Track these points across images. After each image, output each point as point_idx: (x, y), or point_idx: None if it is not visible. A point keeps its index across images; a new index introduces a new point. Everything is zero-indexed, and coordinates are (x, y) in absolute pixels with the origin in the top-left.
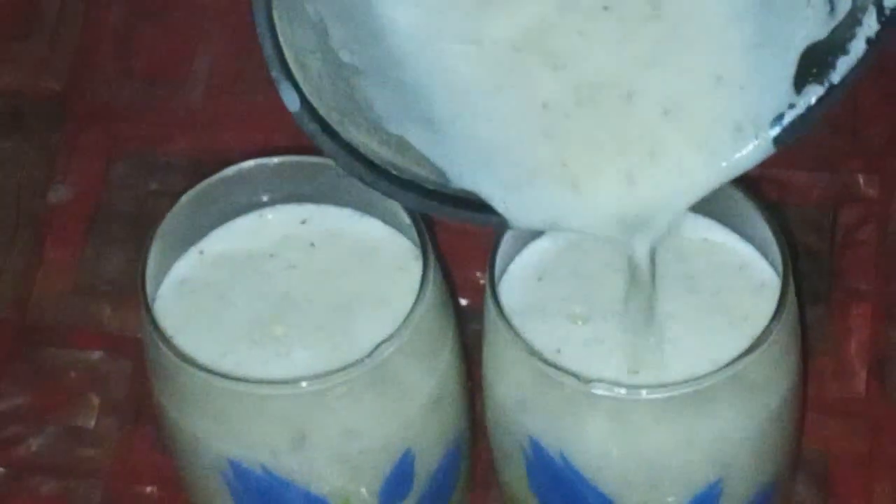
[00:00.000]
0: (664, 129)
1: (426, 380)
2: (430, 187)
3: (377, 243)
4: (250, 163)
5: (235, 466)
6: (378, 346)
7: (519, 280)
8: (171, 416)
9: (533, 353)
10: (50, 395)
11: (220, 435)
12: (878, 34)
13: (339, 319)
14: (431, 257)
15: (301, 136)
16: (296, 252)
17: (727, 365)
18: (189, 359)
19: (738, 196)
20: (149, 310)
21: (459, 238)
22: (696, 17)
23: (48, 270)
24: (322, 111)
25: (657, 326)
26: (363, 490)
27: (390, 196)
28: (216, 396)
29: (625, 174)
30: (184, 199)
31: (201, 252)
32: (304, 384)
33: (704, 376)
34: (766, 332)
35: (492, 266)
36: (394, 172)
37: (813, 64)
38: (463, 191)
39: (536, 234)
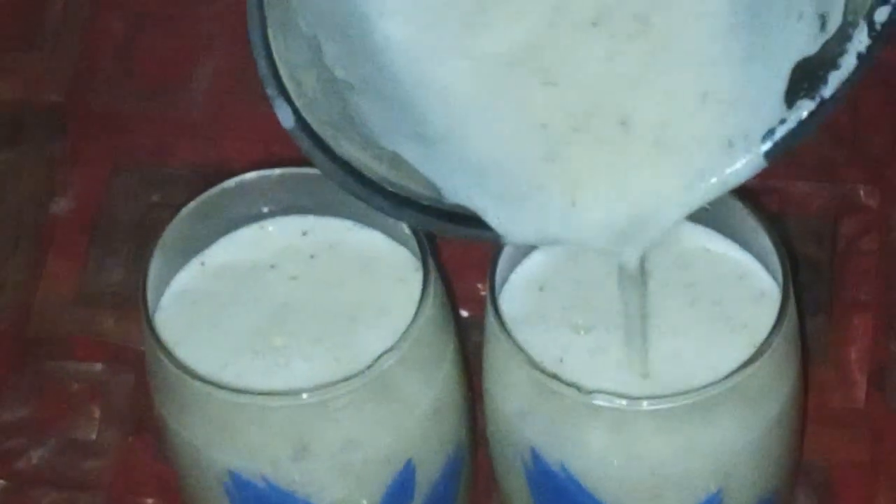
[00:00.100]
0: (657, 149)
1: (427, 390)
2: (425, 202)
3: (378, 255)
4: (251, 174)
5: (236, 477)
6: (379, 357)
7: (520, 290)
8: (173, 427)
9: (533, 364)
10: (51, 406)
11: (222, 446)
12: (868, 49)
13: (339, 331)
14: (432, 268)
15: None
16: (297, 263)
17: (728, 376)
18: (190, 370)
19: (739, 206)
20: (150, 321)
21: (460, 249)
22: (683, 33)
23: (50, 282)
24: (316, 127)
25: (646, 333)
26: (364, 501)
27: (384, 212)
28: (217, 407)
29: (619, 192)
30: (185, 210)
31: (202, 263)
32: (305, 395)
33: (705, 387)
34: (767, 342)
35: (492, 276)
36: (388, 188)
37: (804, 79)
38: (457, 206)
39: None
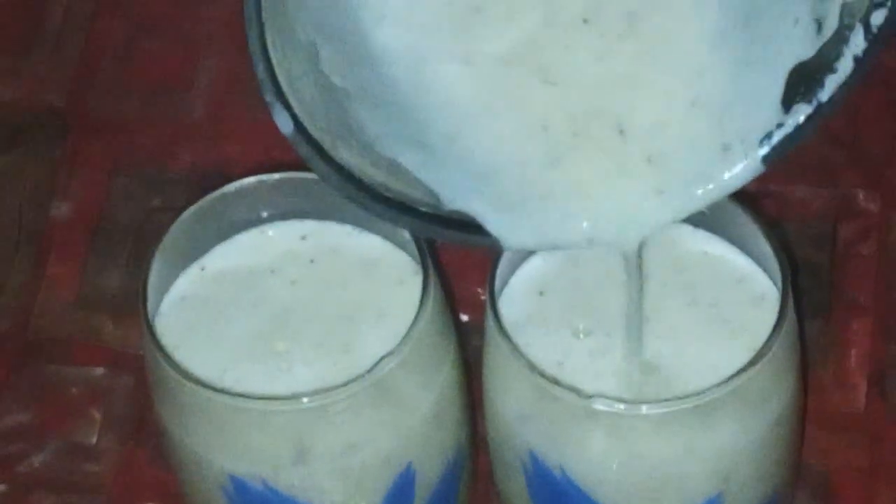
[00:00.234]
0: (652, 154)
1: (427, 394)
2: (423, 209)
3: (377, 259)
4: (251, 179)
5: (237, 482)
6: (379, 361)
7: (520, 294)
8: (173, 431)
9: (533, 368)
10: (51, 410)
11: (222, 450)
12: (865, 53)
13: (339, 335)
14: (432, 272)
15: None
16: (296, 268)
17: (728, 379)
18: (190, 375)
19: (738, 210)
20: (150, 326)
21: (460, 253)
22: (672, 38)
23: (50, 285)
24: (315, 134)
25: (641, 331)
26: None
27: (383, 218)
28: (217, 412)
29: (618, 198)
30: (185, 215)
31: (202, 268)
32: (305, 399)
33: (705, 391)
34: (767, 345)
35: (492, 280)
36: (386, 194)
37: (801, 82)
38: (456, 212)
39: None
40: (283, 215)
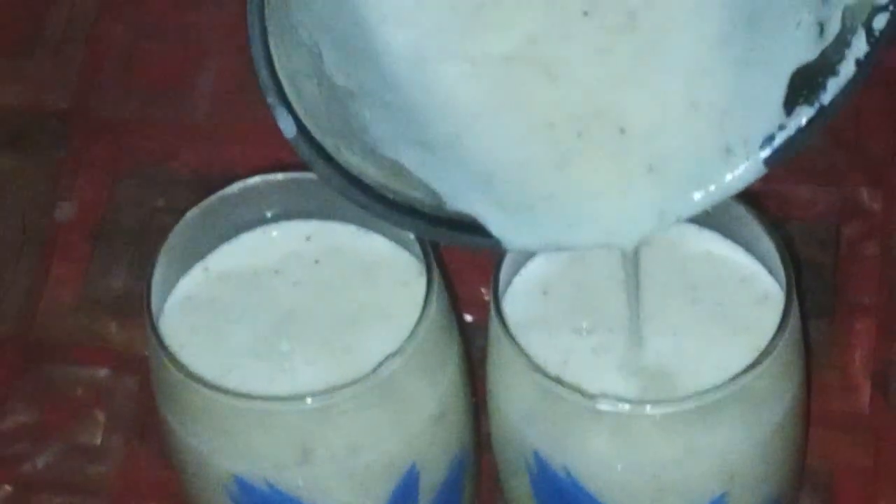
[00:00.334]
0: (654, 155)
1: (431, 394)
2: (426, 210)
3: (381, 259)
4: (255, 179)
5: (241, 482)
6: (383, 361)
7: (524, 294)
8: (177, 432)
9: (537, 368)
10: (55, 411)
11: (226, 451)
12: (867, 56)
13: (343, 335)
14: (435, 273)
15: None
16: (300, 268)
17: (732, 379)
18: (194, 375)
19: (741, 210)
20: (154, 326)
21: (463, 254)
22: (672, 38)
23: (54, 287)
24: (317, 136)
25: (640, 328)
26: None
27: (386, 220)
28: (221, 412)
29: (622, 198)
30: (188, 215)
31: (206, 268)
32: (309, 400)
33: (709, 391)
34: (771, 345)
35: (496, 280)
36: (389, 195)
37: (803, 85)
38: (458, 213)
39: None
40: (288, 216)
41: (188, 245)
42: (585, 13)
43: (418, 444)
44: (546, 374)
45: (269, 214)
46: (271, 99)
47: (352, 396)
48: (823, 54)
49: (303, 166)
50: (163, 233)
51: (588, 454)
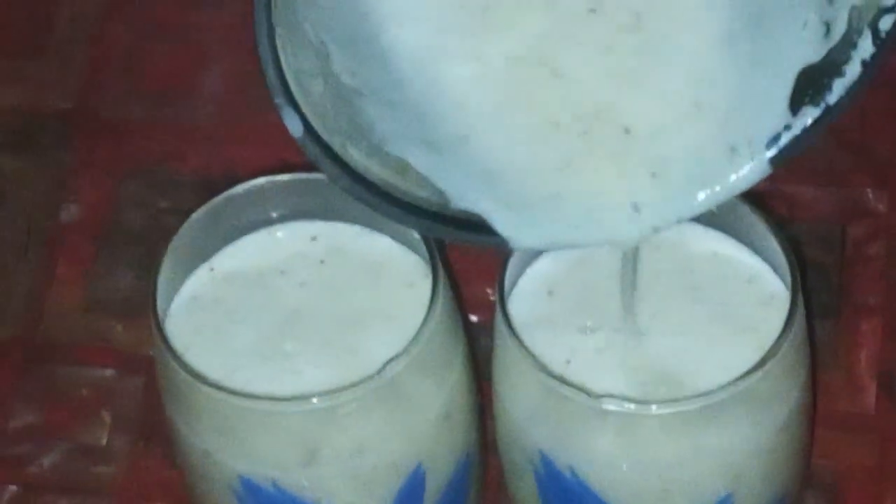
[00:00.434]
0: (659, 154)
1: (436, 395)
2: (432, 209)
3: (387, 260)
4: (260, 180)
5: (246, 483)
6: (388, 362)
7: (529, 294)
8: (182, 432)
9: (542, 368)
10: (60, 412)
11: (231, 451)
12: (872, 57)
13: (348, 336)
14: (441, 273)
15: None
16: (306, 269)
17: (737, 379)
18: (199, 375)
19: (747, 210)
20: (159, 327)
21: (469, 254)
22: (676, 38)
23: (59, 288)
24: (324, 135)
25: (637, 326)
26: None
27: (392, 218)
28: (227, 413)
29: (627, 196)
30: (194, 216)
31: (212, 269)
32: (314, 400)
33: (714, 391)
34: (776, 345)
35: (501, 281)
36: (395, 194)
37: (809, 85)
38: (463, 212)
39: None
40: (293, 216)
41: (194, 246)
42: (592, 11)
43: (424, 445)
44: (551, 374)
45: (274, 215)
46: (278, 99)
47: (357, 397)
48: (829, 55)
49: (308, 167)
50: (167, 234)
51: (593, 454)
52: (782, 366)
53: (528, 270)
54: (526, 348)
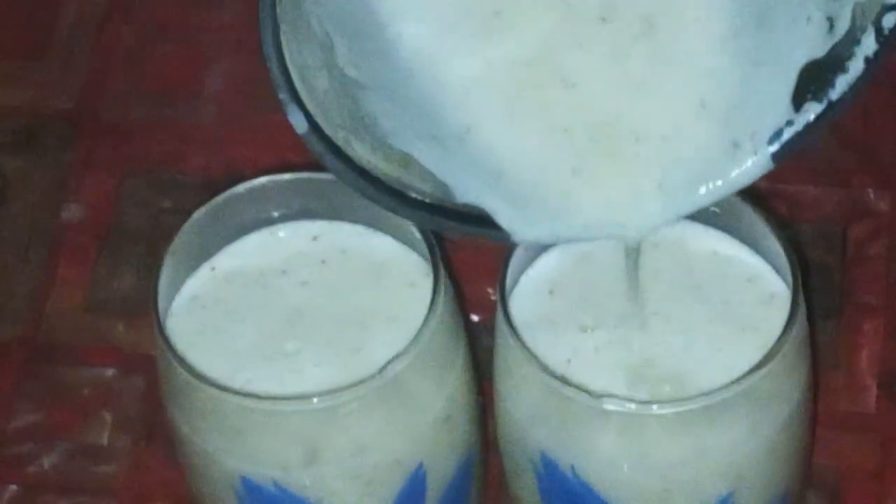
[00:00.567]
0: (669, 159)
1: (437, 395)
2: (435, 203)
3: (388, 260)
4: (262, 180)
5: (247, 482)
6: (389, 361)
7: (530, 293)
8: (184, 432)
9: (543, 368)
10: (62, 412)
11: (233, 451)
12: (876, 54)
13: (350, 335)
14: (442, 273)
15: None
16: (307, 269)
17: (739, 379)
18: (201, 375)
19: (748, 209)
20: (161, 327)
21: (470, 254)
22: (683, 39)
23: (61, 288)
24: (328, 130)
25: (638, 324)
26: None
27: (395, 212)
28: (228, 413)
29: (632, 194)
30: (195, 215)
31: (213, 269)
32: (315, 400)
33: (716, 391)
34: (778, 345)
35: (502, 280)
36: (398, 189)
37: (812, 81)
38: (466, 206)
39: (547, 248)
40: (294, 216)
41: (195, 245)
42: (603, 19)
43: (425, 445)
44: (553, 374)
45: (276, 214)
46: (282, 94)
47: (358, 397)
48: (833, 51)
49: (309, 166)
50: (169, 234)
51: (595, 454)
52: (783, 365)
53: (529, 270)
54: (527, 348)
